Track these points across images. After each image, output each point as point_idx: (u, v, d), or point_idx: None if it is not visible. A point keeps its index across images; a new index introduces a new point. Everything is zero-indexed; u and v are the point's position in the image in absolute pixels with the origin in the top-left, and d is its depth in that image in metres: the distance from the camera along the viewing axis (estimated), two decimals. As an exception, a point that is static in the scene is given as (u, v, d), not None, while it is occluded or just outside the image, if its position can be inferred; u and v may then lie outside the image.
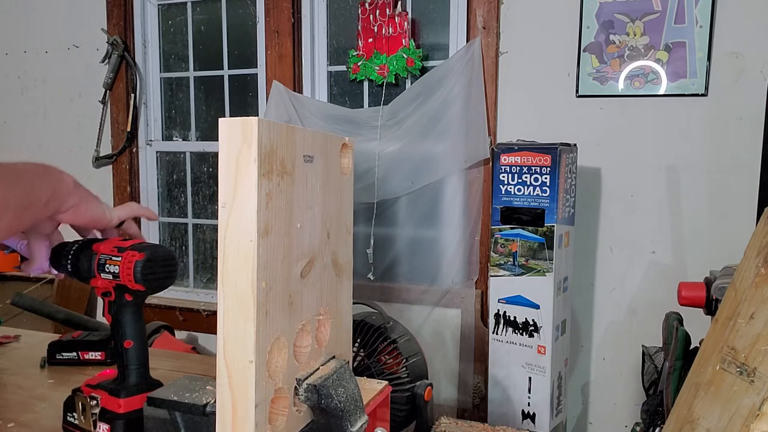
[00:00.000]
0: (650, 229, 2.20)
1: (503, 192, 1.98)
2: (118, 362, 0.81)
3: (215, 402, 0.64)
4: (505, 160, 1.97)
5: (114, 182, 2.93)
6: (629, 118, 2.18)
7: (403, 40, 2.38)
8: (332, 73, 2.66)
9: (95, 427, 0.79)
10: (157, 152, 2.97)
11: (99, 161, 2.89)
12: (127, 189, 2.91)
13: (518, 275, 1.97)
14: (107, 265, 0.78)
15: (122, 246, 0.79)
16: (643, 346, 1.96)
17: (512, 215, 1.97)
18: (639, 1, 2.11)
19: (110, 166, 2.92)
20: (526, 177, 1.94)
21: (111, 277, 0.78)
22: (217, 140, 0.61)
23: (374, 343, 1.94)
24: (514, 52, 2.29)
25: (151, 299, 2.73)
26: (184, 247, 3.00)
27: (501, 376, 2.05)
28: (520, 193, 1.95)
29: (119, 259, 0.77)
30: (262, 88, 2.69)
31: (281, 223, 0.65)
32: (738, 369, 1.10)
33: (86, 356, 1.14)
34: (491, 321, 2.05)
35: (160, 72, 2.94)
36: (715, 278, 1.57)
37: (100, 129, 2.91)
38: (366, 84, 2.57)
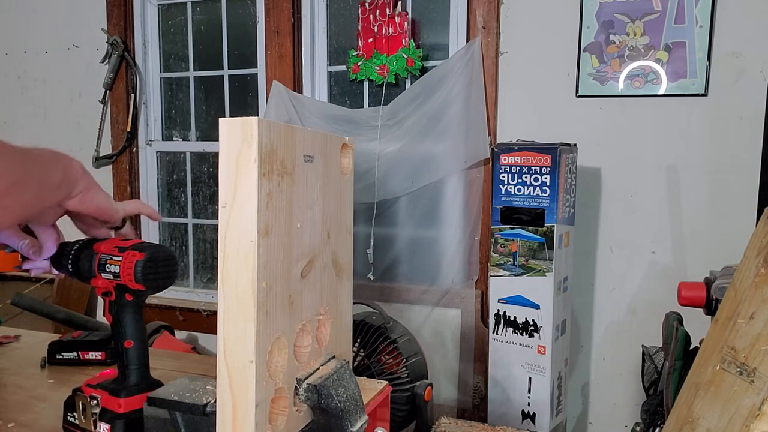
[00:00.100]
0: (650, 229, 2.20)
1: (503, 192, 1.98)
2: (118, 362, 0.81)
3: (215, 402, 0.64)
4: (505, 160, 1.97)
5: (114, 182, 2.93)
6: (629, 118, 2.18)
7: (403, 40, 2.38)
8: (332, 73, 2.66)
9: (95, 427, 0.79)
10: (157, 152, 2.97)
11: (99, 161, 2.89)
12: (127, 189, 2.91)
13: (518, 275, 1.97)
14: (108, 265, 0.78)
15: (123, 246, 0.79)
16: (643, 346, 1.96)
17: (512, 215, 1.97)
18: (639, 1, 2.11)
19: (110, 166, 2.92)
20: (526, 177, 1.94)
21: (111, 277, 0.78)
22: (217, 140, 0.61)
23: (374, 343, 1.94)
24: (514, 52, 2.29)
25: (151, 299, 2.73)
26: (184, 247, 3.00)
27: (501, 376, 2.05)
28: (520, 193, 1.95)
29: (120, 258, 0.78)
30: (262, 88, 2.69)
31: (281, 223, 0.65)
32: (738, 369, 1.10)
33: (86, 356, 1.14)
34: (491, 321, 2.05)
35: (160, 72, 2.94)
36: (715, 278, 1.57)
37: (100, 129, 2.91)
38: (366, 84, 2.57)
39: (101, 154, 2.90)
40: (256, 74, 2.72)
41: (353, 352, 1.74)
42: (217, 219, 0.62)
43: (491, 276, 2.04)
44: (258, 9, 2.67)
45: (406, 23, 2.38)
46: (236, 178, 0.61)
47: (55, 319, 2.39)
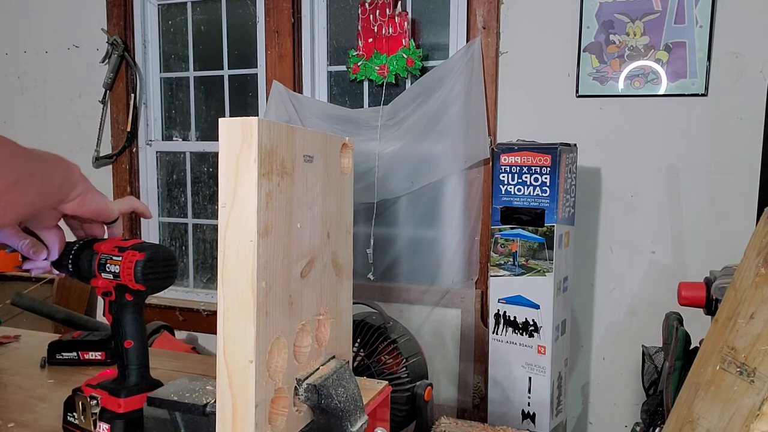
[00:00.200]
0: (650, 229, 2.20)
1: (503, 192, 1.98)
2: (118, 362, 0.81)
3: (215, 402, 0.64)
4: (505, 160, 1.97)
5: (114, 182, 2.93)
6: (629, 118, 2.18)
7: (403, 40, 2.38)
8: (332, 73, 2.66)
9: (95, 427, 0.79)
10: (157, 152, 2.97)
11: (99, 161, 2.89)
12: (127, 189, 2.91)
13: (518, 275, 1.97)
14: (108, 265, 0.78)
15: (123, 246, 0.79)
16: (643, 346, 1.96)
17: (512, 215, 1.97)
18: (639, 1, 2.11)
19: (110, 166, 2.93)
20: (526, 177, 1.94)
21: (111, 277, 0.78)
22: (217, 140, 0.61)
23: (374, 343, 1.94)
24: (514, 52, 2.29)
25: (151, 299, 2.73)
26: (184, 247, 3.00)
27: (501, 376, 2.05)
28: (520, 193, 1.95)
29: (120, 258, 0.78)
30: (262, 88, 2.69)
31: (281, 223, 0.65)
32: (738, 369, 1.10)
33: (86, 356, 1.14)
34: (491, 321, 2.05)
35: (160, 72, 2.94)
36: (715, 278, 1.57)
37: (100, 129, 2.91)
38: (366, 84, 2.57)
39: (101, 154, 2.90)
40: (256, 74, 2.72)
41: (353, 352, 1.74)
42: (217, 219, 0.62)
43: (491, 276, 2.04)
44: (258, 9, 2.67)
45: (406, 23, 2.38)
46: (236, 178, 0.61)
47: (55, 319, 2.39)
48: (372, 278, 2.51)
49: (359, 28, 2.45)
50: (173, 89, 2.96)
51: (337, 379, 0.75)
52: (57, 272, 0.85)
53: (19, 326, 1.72)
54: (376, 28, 2.42)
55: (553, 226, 1.91)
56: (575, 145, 2.02)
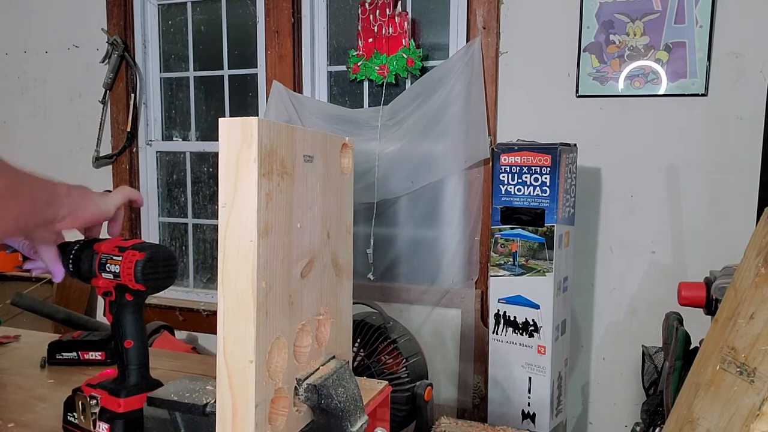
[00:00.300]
0: (650, 229, 2.20)
1: (503, 192, 1.98)
2: (118, 362, 0.81)
3: (215, 402, 0.64)
4: (505, 160, 1.97)
5: (114, 182, 2.93)
6: (629, 118, 2.18)
7: (403, 40, 2.38)
8: (332, 73, 2.66)
9: (95, 427, 0.79)
10: (157, 152, 2.97)
11: (99, 161, 2.89)
12: (127, 189, 2.90)
13: (518, 275, 1.97)
14: (108, 265, 0.78)
15: (123, 246, 0.79)
16: (643, 346, 1.96)
17: (512, 215, 1.97)
18: (639, 1, 2.11)
19: (110, 166, 2.92)
20: (526, 177, 1.94)
21: (112, 277, 0.78)
22: (217, 140, 0.61)
23: (374, 343, 1.94)
24: (514, 52, 2.29)
25: (151, 299, 2.73)
26: (184, 247, 3.00)
27: (501, 376, 2.05)
28: (520, 193, 1.95)
29: (120, 258, 0.78)
30: (262, 88, 2.69)
31: (281, 223, 0.65)
32: (738, 369, 1.10)
33: (86, 356, 1.14)
34: (491, 321, 2.05)
35: (160, 72, 2.94)
36: (715, 278, 1.57)
37: (100, 129, 2.91)
38: (366, 84, 2.57)
39: (101, 154, 2.90)
40: (256, 74, 2.72)
41: (353, 352, 1.74)
42: (217, 219, 0.62)
43: (491, 276, 2.04)
44: (258, 9, 2.67)
45: (406, 23, 2.38)
46: (236, 178, 0.61)
47: (55, 319, 2.39)
48: (372, 278, 2.51)
49: (359, 28, 2.45)
50: (173, 89, 2.96)
51: (337, 379, 0.75)
52: (57, 272, 0.85)
53: (19, 326, 1.72)
54: (376, 28, 2.42)
55: (553, 226, 1.91)
56: (575, 145, 2.02)
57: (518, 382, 2.01)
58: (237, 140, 0.60)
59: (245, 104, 2.80)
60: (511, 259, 1.98)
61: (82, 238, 0.86)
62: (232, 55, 2.79)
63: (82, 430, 0.82)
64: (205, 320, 2.77)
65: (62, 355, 1.15)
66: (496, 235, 2.01)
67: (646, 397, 1.84)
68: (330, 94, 2.66)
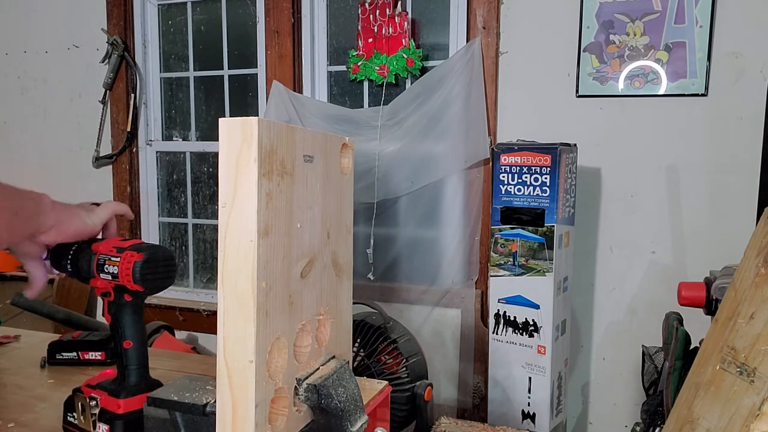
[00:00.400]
0: (650, 229, 2.20)
1: (503, 192, 1.98)
2: (117, 362, 0.81)
3: (215, 402, 0.64)
4: (505, 160, 1.97)
5: (114, 182, 2.93)
6: (629, 118, 2.18)
7: (403, 40, 2.38)
8: (332, 73, 2.66)
9: (95, 428, 0.79)
10: (157, 152, 2.97)
11: (99, 161, 2.89)
12: (127, 189, 2.91)
13: (518, 275, 1.97)
14: (106, 266, 0.78)
15: (121, 246, 0.79)
16: (643, 346, 1.96)
17: (512, 215, 1.97)
18: (639, 1, 2.11)
19: (110, 166, 2.92)
20: (526, 177, 1.94)
21: (110, 278, 0.78)
22: (217, 140, 0.61)
23: (374, 343, 1.94)
24: (514, 52, 2.29)
25: (151, 299, 2.73)
26: (184, 247, 3.00)
27: (501, 376, 2.05)
28: (520, 193, 1.95)
29: (118, 259, 0.77)
30: (262, 88, 2.69)
31: (281, 223, 0.65)
32: (738, 369, 1.10)
33: (86, 356, 1.14)
34: (491, 321, 2.05)
35: (160, 72, 2.94)
36: (715, 278, 1.57)
37: (100, 129, 2.91)
38: (366, 84, 2.57)
39: (101, 154, 2.90)
40: (256, 74, 2.72)
41: (353, 352, 1.74)
42: (217, 219, 0.62)
43: (491, 276, 2.04)
44: (258, 9, 2.67)
45: (406, 23, 2.38)
46: (236, 178, 0.61)
47: (55, 319, 2.39)
48: (372, 278, 2.51)
49: (359, 28, 2.45)
50: (173, 89, 2.96)
51: (337, 379, 0.75)
52: (57, 272, 0.85)
53: (19, 326, 1.71)
54: (376, 28, 2.42)
55: (553, 226, 1.91)
56: (575, 145, 2.02)
57: (518, 382, 2.01)
58: (237, 140, 0.60)
59: (245, 104, 2.80)
60: (511, 259, 1.98)
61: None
62: (232, 55, 2.79)
63: (82, 430, 0.82)
64: (205, 320, 2.77)
65: (62, 355, 1.15)
66: (496, 235, 2.01)
67: (646, 397, 1.84)
68: (330, 94, 2.66)
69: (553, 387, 1.99)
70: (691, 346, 1.62)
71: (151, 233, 2.98)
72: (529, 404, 2.01)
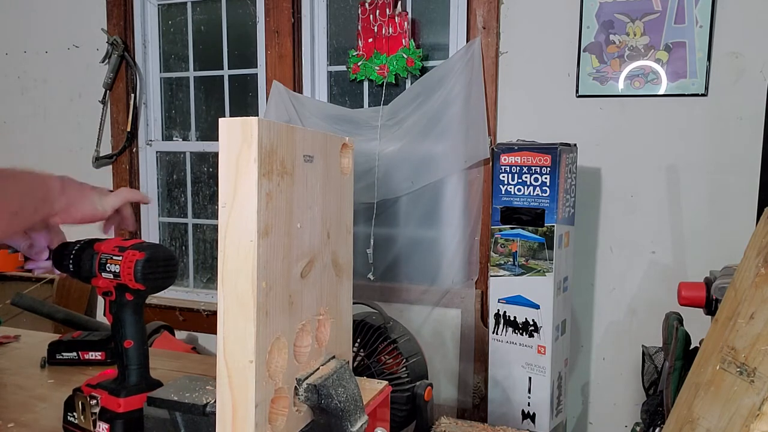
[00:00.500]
0: (650, 229, 2.20)
1: (503, 192, 1.98)
2: (118, 362, 0.81)
3: (215, 402, 0.64)
4: (505, 160, 1.97)
5: (114, 182, 2.93)
6: (629, 118, 2.18)
7: (403, 40, 2.38)
8: (332, 73, 2.66)
9: (95, 427, 0.79)
10: (157, 152, 2.97)
11: (99, 161, 2.89)
12: (127, 189, 2.90)
13: (518, 275, 1.97)
14: (108, 265, 0.78)
15: (123, 246, 0.79)
16: (643, 346, 1.96)
17: (512, 215, 1.97)
18: (639, 1, 2.11)
19: (110, 166, 2.92)
20: (526, 177, 1.94)
21: (112, 277, 0.78)
22: (217, 140, 0.61)
23: (374, 343, 1.94)
24: (514, 52, 2.29)
25: (151, 299, 2.73)
26: (184, 247, 3.00)
27: (501, 376, 2.05)
28: (520, 193, 1.95)
29: (120, 258, 0.78)
30: (262, 88, 2.69)
31: (281, 223, 0.65)
32: (738, 369, 1.10)
33: (86, 356, 1.14)
34: (491, 321, 2.05)
35: (160, 72, 2.94)
36: (715, 278, 1.57)
37: (100, 129, 2.91)
38: (366, 84, 2.57)
39: (101, 154, 2.90)
40: (256, 74, 2.72)
41: (353, 352, 1.74)
42: (217, 219, 0.62)
43: (491, 276, 2.04)
44: (258, 9, 2.67)
45: (406, 23, 2.38)
46: (236, 178, 0.61)
47: (55, 319, 2.39)
48: (372, 278, 2.51)
49: (359, 28, 2.45)
50: (173, 89, 2.96)
51: (337, 379, 0.75)
52: (59, 272, 0.85)
53: (19, 326, 1.72)
54: (376, 28, 2.42)
55: (553, 226, 1.91)
56: (575, 145, 2.02)
57: (518, 382, 2.01)
58: (237, 140, 0.60)
59: (245, 104, 2.80)
60: (511, 259, 1.98)
61: (83, 238, 0.86)
62: (232, 55, 2.79)
63: (82, 430, 0.82)
64: (205, 320, 2.77)
65: (62, 355, 1.15)
66: (496, 235, 2.01)
67: (646, 397, 1.84)
68: (330, 94, 2.66)
69: (553, 387, 1.99)
70: (691, 346, 1.62)
71: (151, 233, 2.98)
72: (529, 404, 2.01)
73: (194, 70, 2.88)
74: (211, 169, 2.92)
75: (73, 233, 0.88)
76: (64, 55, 2.97)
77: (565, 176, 1.95)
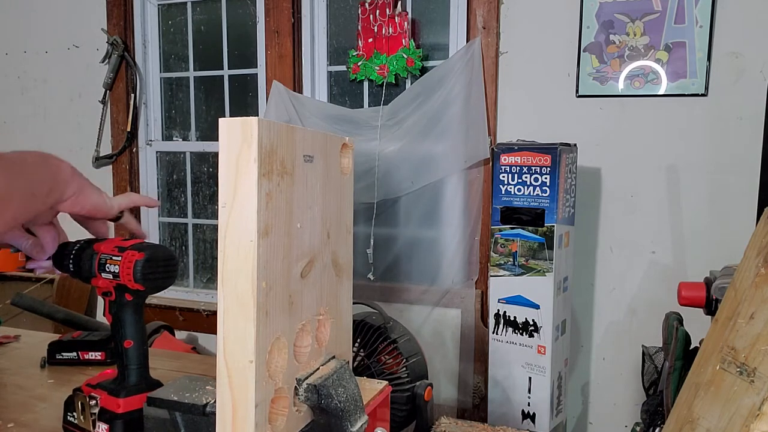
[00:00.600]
0: (650, 229, 2.20)
1: (503, 192, 1.98)
2: (118, 362, 0.81)
3: (215, 402, 0.64)
4: (505, 160, 1.97)
5: (114, 182, 2.93)
6: (629, 118, 2.18)
7: (403, 40, 2.38)
8: (332, 73, 2.66)
9: (95, 427, 0.79)
10: (157, 152, 2.97)
11: (99, 161, 2.89)
12: (127, 189, 2.91)
13: (518, 275, 1.97)
14: (108, 265, 0.78)
15: (123, 246, 0.79)
16: (643, 346, 1.96)
17: (512, 215, 1.97)
18: (639, 1, 2.11)
19: (110, 166, 2.93)
20: (526, 177, 1.94)
21: (111, 277, 0.78)
22: (217, 140, 0.61)
23: (374, 343, 1.94)
24: (514, 52, 2.29)
25: (151, 299, 2.73)
26: (184, 247, 3.00)
27: (501, 376, 2.05)
28: (520, 193, 1.95)
29: (119, 258, 0.78)
30: (262, 88, 2.69)
31: (281, 223, 0.65)
32: (738, 369, 1.10)
33: (86, 356, 1.14)
34: (491, 321, 2.05)
35: (160, 72, 2.94)
36: (715, 278, 1.57)
37: (100, 129, 2.91)
38: (366, 84, 2.57)
39: (101, 154, 2.90)
40: (256, 74, 2.72)
41: (353, 352, 1.74)
42: (217, 219, 0.62)
43: (491, 276, 2.04)
44: (258, 9, 2.67)
45: (406, 23, 2.38)
46: (236, 178, 0.61)
47: (55, 319, 2.39)
48: (372, 278, 2.51)
49: (359, 28, 2.45)
50: (173, 89, 2.96)
51: (337, 379, 0.75)
52: (59, 272, 0.85)
53: (19, 326, 1.72)
54: (376, 28, 2.42)
55: (553, 226, 1.91)
56: (575, 145, 2.02)
57: (518, 382, 2.01)
58: (237, 140, 0.60)
59: (245, 104, 2.80)
60: (511, 259, 1.98)
61: (83, 238, 0.86)
62: (232, 55, 2.79)
63: (82, 430, 0.82)
64: (205, 320, 2.77)
65: (62, 355, 1.15)
66: (496, 235, 2.01)
67: (646, 397, 1.85)
68: (330, 94, 2.66)
69: (553, 387, 1.99)
70: (691, 346, 1.62)
71: (151, 233, 2.98)
72: (529, 404, 2.01)
73: (194, 70, 2.88)
74: (211, 169, 2.92)
75: (73, 233, 0.88)
76: (64, 55, 2.97)
77: (565, 176, 1.95)
